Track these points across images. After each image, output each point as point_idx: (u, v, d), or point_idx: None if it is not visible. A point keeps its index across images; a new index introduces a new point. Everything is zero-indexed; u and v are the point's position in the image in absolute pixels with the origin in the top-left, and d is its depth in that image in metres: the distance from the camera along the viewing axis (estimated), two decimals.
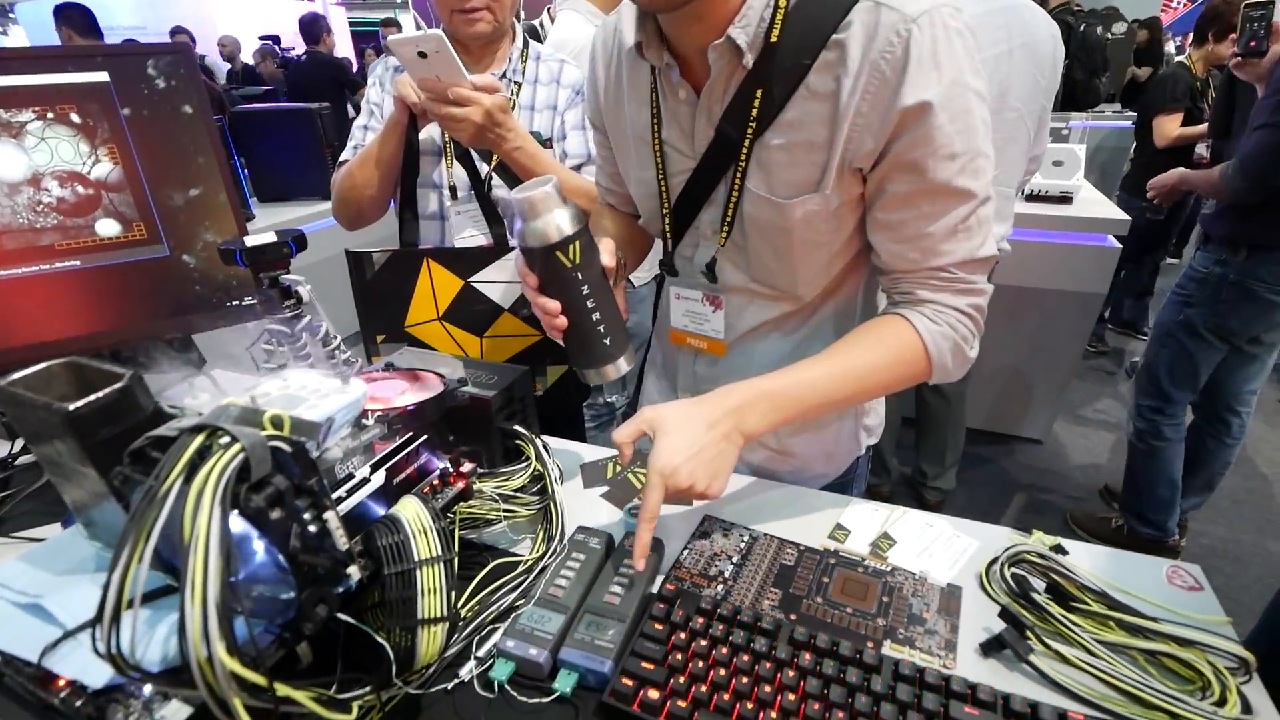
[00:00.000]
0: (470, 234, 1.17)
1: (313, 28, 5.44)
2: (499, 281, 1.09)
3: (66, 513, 0.79)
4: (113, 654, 0.37)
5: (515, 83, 1.14)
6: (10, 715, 0.49)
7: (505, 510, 0.73)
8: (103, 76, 0.74)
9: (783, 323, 0.79)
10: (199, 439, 0.39)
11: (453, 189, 1.14)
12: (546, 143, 1.13)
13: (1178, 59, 2.94)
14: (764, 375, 0.67)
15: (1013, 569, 0.65)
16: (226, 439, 0.39)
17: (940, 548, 0.71)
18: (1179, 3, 9.98)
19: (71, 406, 0.43)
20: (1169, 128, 2.83)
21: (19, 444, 0.90)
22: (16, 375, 0.47)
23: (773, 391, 0.65)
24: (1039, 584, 0.63)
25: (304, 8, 14.20)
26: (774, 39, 0.61)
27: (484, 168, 1.13)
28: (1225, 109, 2.22)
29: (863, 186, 0.66)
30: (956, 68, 0.58)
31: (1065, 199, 2.31)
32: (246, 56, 7.07)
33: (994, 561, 0.66)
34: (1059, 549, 0.69)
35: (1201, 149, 2.84)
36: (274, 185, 2.82)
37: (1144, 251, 3.22)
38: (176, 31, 6.45)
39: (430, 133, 1.13)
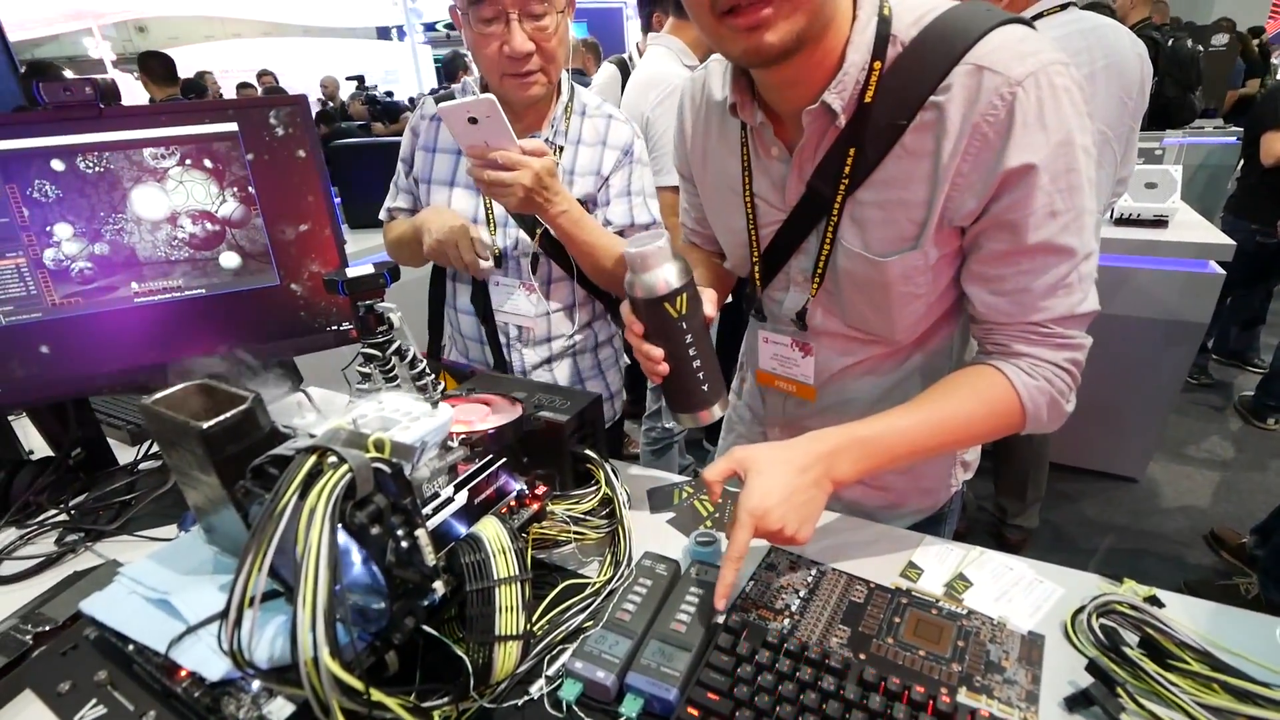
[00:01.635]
0: (506, 305, 1.14)
1: (451, 66, 5.87)
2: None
3: (183, 515, 0.87)
4: (234, 650, 0.41)
5: (557, 146, 1.07)
6: (137, 700, 0.55)
7: (575, 532, 0.75)
8: (232, 126, 0.84)
9: (876, 365, 0.79)
10: (312, 459, 0.44)
11: (497, 258, 1.09)
12: (586, 206, 1.06)
13: None
14: (857, 421, 0.66)
15: (1102, 619, 0.62)
16: (336, 460, 0.44)
17: (1020, 592, 0.68)
18: None
19: (205, 425, 0.48)
20: (1279, 145, 2.62)
21: (142, 451, 1.01)
22: (159, 395, 0.53)
23: (865, 439, 0.65)
24: (1132, 638, 0.60)
25: (391, 48, 15.22)
26: (868, 99, 0.62)
27: (518, 234, 1.09)
28: None
29: (961, 239, 0.66)
30: (1064, 128, 0.57)
31: (1161, 222, 2.16)
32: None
33: (1080, 610, 0.63)
34: (1154, 600, 0.65)
35: None
36: (364, 213, 3.03)
37: (1254, 277, 2.95)
38: (263, 74, 7.10)
39: (463, 204, 1.10)
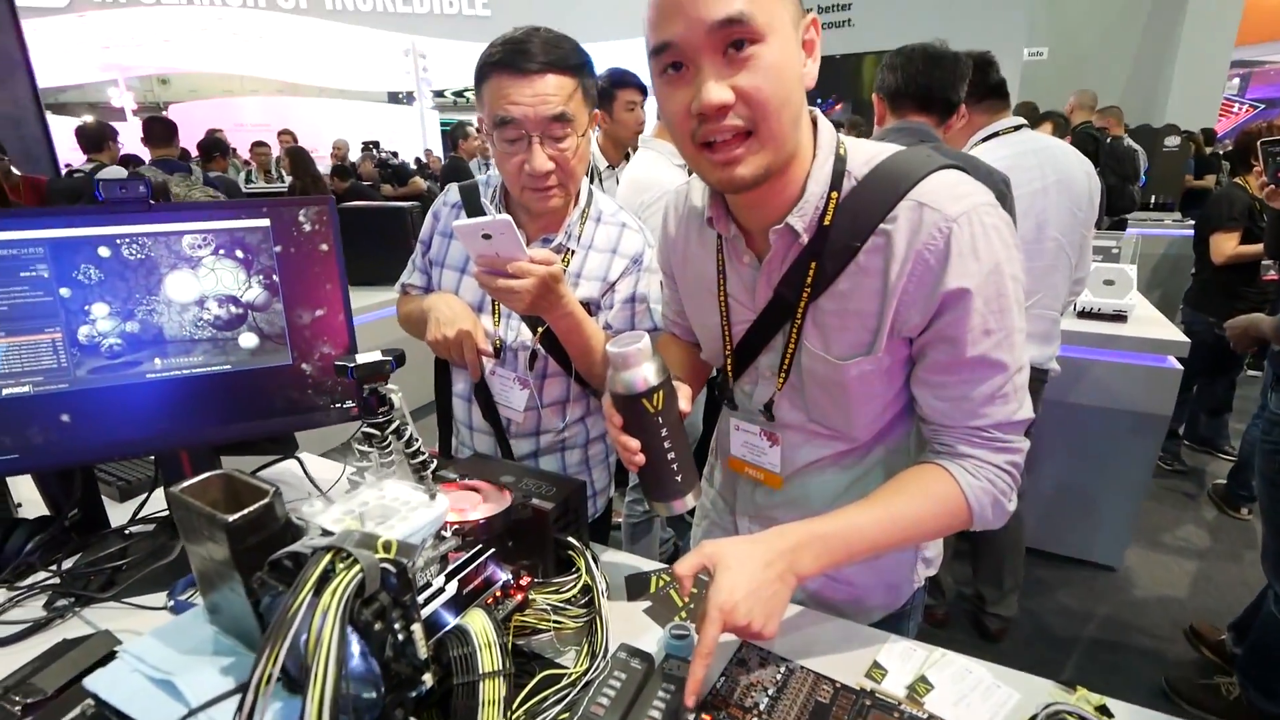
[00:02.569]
0: (509, 393, 1.16)
1: (455, 134, 6.24)
2: None
3: (172, 584, 0.90)
4: None
5: (569, 250, 1.11)
6: None
7: (555, 621, 0.79)
8: (265, 222, 0.92)
9: (838, 459, 0.85)
10: (327, 558, 0.48)
11: (497, 349, 1.13)
12: (589, 308, 1.08)
13: (1234, 179, 2.95)
14: (817, 518, 0.72)
15: None
16: (348, 559, 0.48)
17: (979, 697, 0.72)
18: (1240, 107, 9.99)
19: (230, 519, 0.53)
20: (1227, 245, 2.80)
21: (135, 514, 1.04)
22: (185, 484, 0.58)
23: (826, 535, 0.70)
24: None
25: (401, 111, 15.88)
26: (827, 222, 0.71)
27: (523, 331, 1.12)
28: (1277, 231, 2.22)
29: (909, 348, 0.74)
30: (994, 259, 0.67)
31: (1120, 317, 2.29)
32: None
33: (1032, 718, 0.67)
34: (1104, 710, 0.69)
35: (1272, 270, 2.77)
36: (367, 271, 3.15)
37: (1215, 368, 3.08)
38: (282, 133, 7.42)
39: (471, 293, 1.14)
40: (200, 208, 0.89)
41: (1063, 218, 1.70)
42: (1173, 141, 5.27)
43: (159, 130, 4.22)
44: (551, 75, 0.96)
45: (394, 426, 0.96)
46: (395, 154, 10.27)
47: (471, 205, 1.16)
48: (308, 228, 0.94)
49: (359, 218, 3.30)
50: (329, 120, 13.67)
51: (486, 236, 0.88)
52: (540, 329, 1.10)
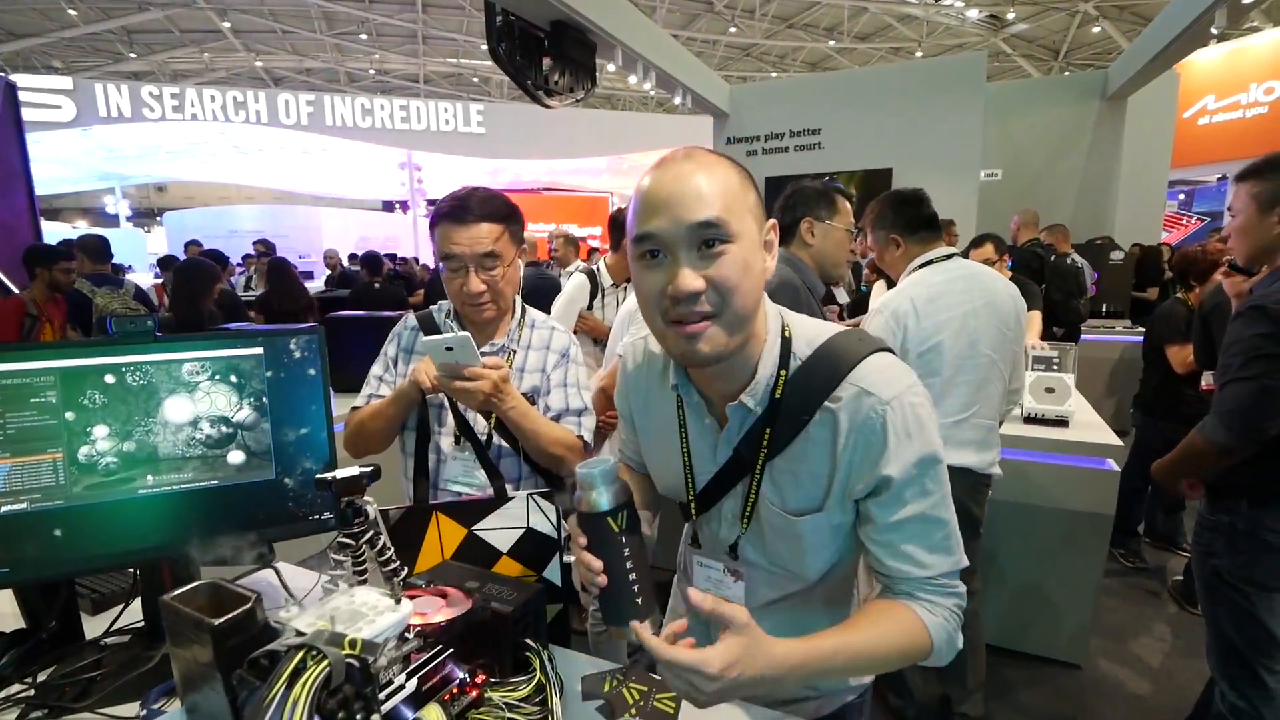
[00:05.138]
0: (460, 476, 1.36)
1: None
2: (499, 528, 1.25)
3: (145, 693, 0.93)
4: None
5: (512, 350, 1.38)
6: None
7: (508, 718, 0.84)
8: (258, 350, 1.04)
9: (793, 597, 0.92)
10: (300, 655, 0.57)
11: (456, 437, 1.36)
12: (531, 398, 1.35)
13: (1176, 295, 3.22)
14: (814, 643, 0.75)
15: None
16: (318, 655, 0.57)
17: None
18: (1189, 220, 11.03)
19: (216, 622, 0.61)
20: (1184, 355, 2.97)
21: (104, 624, 1.08)
22: (175, 593, 0.66)
23: (820, 658, 0.74)
24: None
25: (394, 219, 16.66)
26: (778, 395, 0.81)
27: (479, 421, 1.35)
28: (1204, 342, 2.46)
29: (857, 508, 0.83)
30: (924, 433, 0.77)
31: (1062, 422, 2.47)
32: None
33: None
34: None
35: (1206, 378, 2.99)
36: (350, 378, 3.26)
37: None
38: (258, 243, 7.68)
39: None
40: (201, 338, 1.01)
41: (993, 335, 1.88)
42: (1117, 256, 5.74)
43: (92, 248, 4.39)
44: (484, 224, 1.27)
45: (368, 536, 1.05)
46: (393, 255, 10.63)
47: (428, 328, 1.41)
48: (298, 354, 1.06)
49: (344, 326, 3.45)
50: (323, 227, 14.24)
51: (449, 349, 1.13)
52: (493, 416, 1.32)
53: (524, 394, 1.32)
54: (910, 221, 1.97)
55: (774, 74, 17.99)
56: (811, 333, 0.84)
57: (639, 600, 0.77)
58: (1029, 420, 2.52)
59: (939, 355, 1.84)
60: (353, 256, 9.63)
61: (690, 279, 0.71)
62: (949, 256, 1.97)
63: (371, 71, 17.93)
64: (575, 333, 2.74)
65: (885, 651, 0.78)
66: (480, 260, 1.28)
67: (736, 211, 0.73)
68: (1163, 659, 2.56)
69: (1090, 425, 2.54)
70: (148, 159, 14.31)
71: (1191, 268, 3.18)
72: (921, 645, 0.79)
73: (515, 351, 1.39)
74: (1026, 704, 2.30)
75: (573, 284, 2.74)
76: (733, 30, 15.63)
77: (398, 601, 0.76)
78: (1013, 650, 2.51)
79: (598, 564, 0.76)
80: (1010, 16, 14.09)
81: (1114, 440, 2.37)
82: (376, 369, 1.45)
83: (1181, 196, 11.57)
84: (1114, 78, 6.47)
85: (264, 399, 1.05)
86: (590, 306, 2.71)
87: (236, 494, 1.03)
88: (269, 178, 15.59)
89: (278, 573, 1.27)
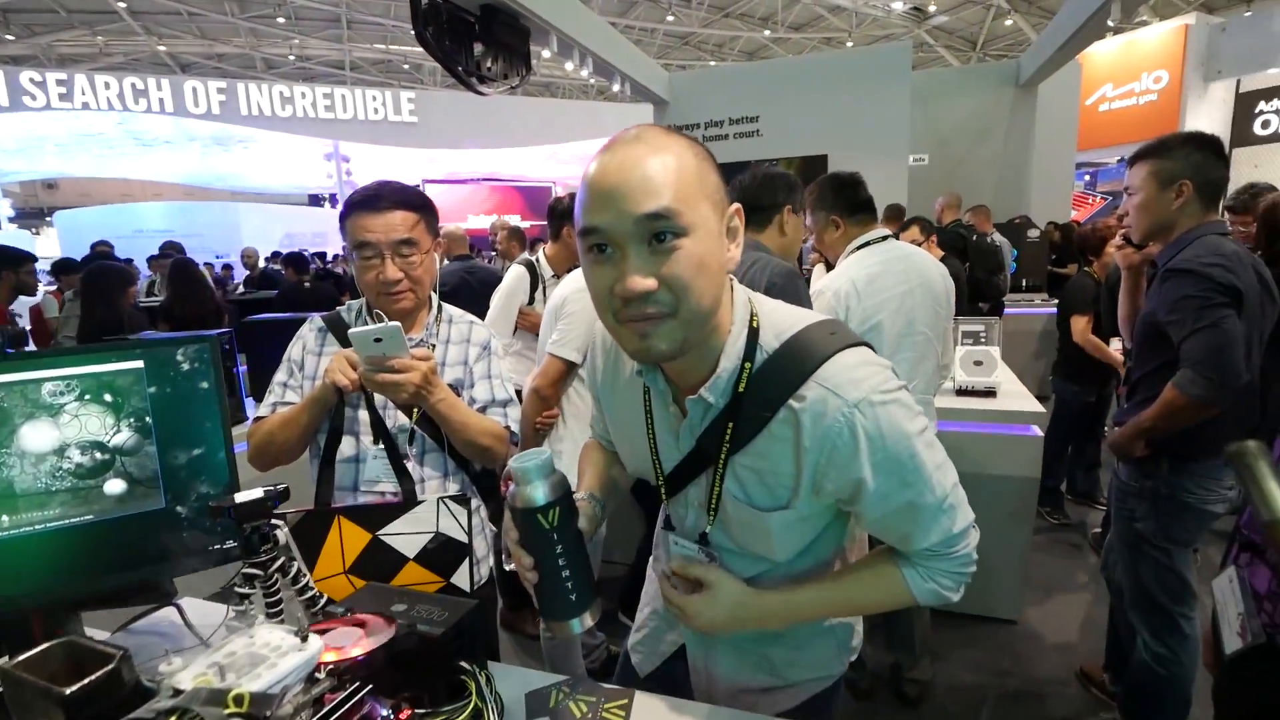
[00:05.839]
0: (382, 477, 1.28)
1: None
2: (406, 533, 1.19)
3: None
4: None
5: (430, 344, 1.34)
6: None
7: None
8: (137, 364, 0.92)
9: (761, 578, 0.88)
10: None
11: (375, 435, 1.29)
12: (456, 390, 1.31)
13: (1084, 269, 3.42)
14: (789, 589, 0.85)
15: None
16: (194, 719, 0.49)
17: None
18: (1093, 198, 11.84)
19: (68, 691, 0.52)
20: (1080, 325, 3.20)
21: None
22: (21, 657, 0.56)
23: (797, 603, 0.84)
24: None
25: (321, 214, 15.85)
26: (741, 389, 0.76)
27: (399, 417, 1.28)
28: (1112, 310, 2.60)
29: (833, 502, 0.80)
30: (896, 431, 0.72)
31: (990, 393, 2.56)
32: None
33: None
34: None
35: (1114, 344, 3.18)
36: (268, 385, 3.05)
37: (1084, 428, 3.47)
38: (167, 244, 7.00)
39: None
40: (66, 353, 0.88)
41: (927, 314, 1.94)
42: (1034, 235, 6.06)
43: None
44: (399, 211, 1.24)
45: (278, 564, 0.95)
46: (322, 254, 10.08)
47: (337, 329, 1.34)
48: (186, 367, 0.95)
49: (264, 330, 3.22)
50: (241, 224, 13.34)
51: (378, 340, 1.11)
52: (417, 412, 1.28)
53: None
54: (849, 203, 2.00)
55: (712, 62, 18.04)
56: (782, 324, 0.78)
57: (573, 596, 0.76)
58: (960, 392, 2.60)
59: (879, 334, 1.88)
60: (275, 255, 9.09)
61: (639, 280, 0.66)
62: (884, 238, 2.00)
63: (291, 57, 16.87)
64: (516, 330, 2.63)
65: (860, 608, 0.87)
66: (396, 248, 1.23)
67: (691, 200, 0.67)
68: (1087, 607, 2.72)
69: (1016, 394, 2.65)
70: (30, 153, 13.00)
71: (1086, 244, 3.44)
72: (903, 600, 0.83)
73: (434, 346, 1.35)
74: (969, 661, 2.41)
75: (510, 277, 2.62)
76: (670, 18, 15.56)
77: (304, 639, 0.68)
78: (953, 613, 2.61)
79: (528, 560, 0.75)
80: (932, 9, 14.63)
81: (1038, 408, 2.48)
82: (280, 375, 1.35)
83: (1087, 178, 12.42)
84: (1025, 67, 6.79)
85: (147, 419, 0.92)
86: (531, 300, 2.60)
87: (118, 528, 0.91)
88: (177, 172, 14.47)
89: (181, 611, 1.15)
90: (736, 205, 0.75)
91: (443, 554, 1.20)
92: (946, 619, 2.56)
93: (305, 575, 0.96)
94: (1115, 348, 3.11)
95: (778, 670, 0.94)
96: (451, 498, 1.21)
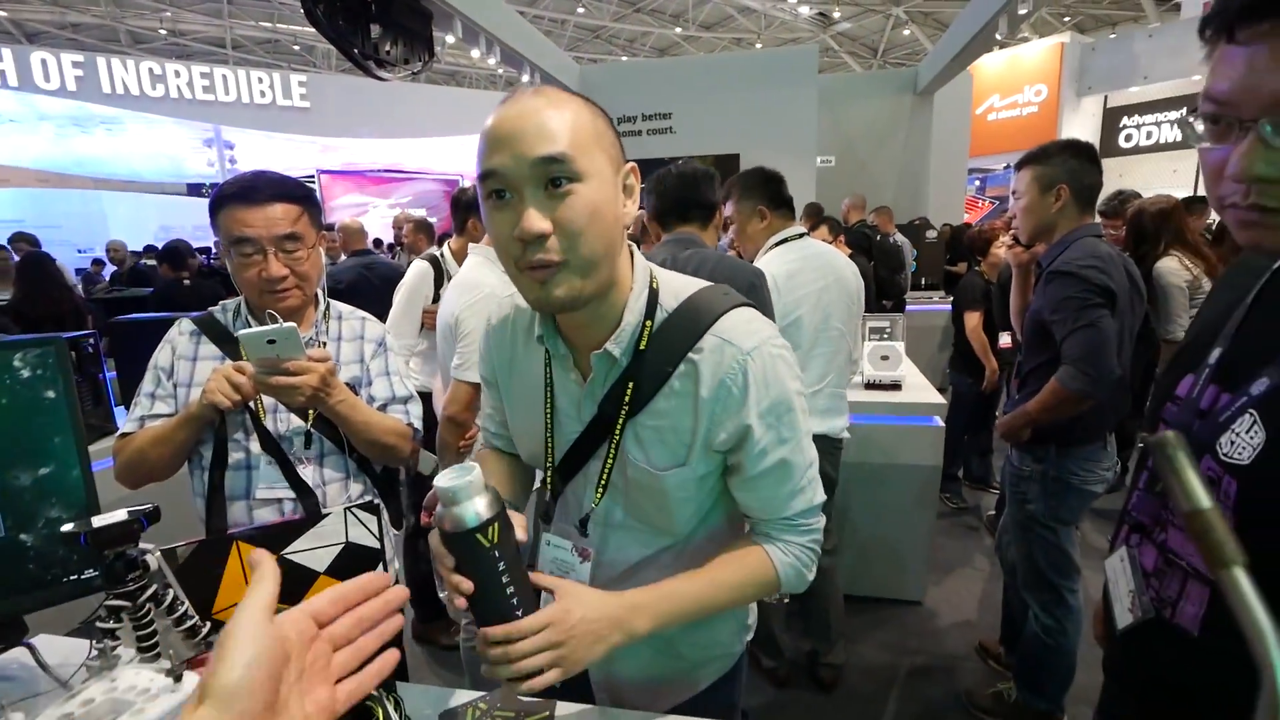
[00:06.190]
0: (277, 483, 1.21)
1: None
2: (313, 549, 1.10)
3: None
4: None
5: (322, 343, 1.28)
6: None
7: None
8: None
9: (660, 555, 0.89)
10: None
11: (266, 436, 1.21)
12: (353, 389, 1.25)
13: (974, 268, 3.69)
14: (653, 586, 0.81)
15: None
16: None
17: None
18: (983, 202, 12.90)
19: None
20: (973, 321, 3.46)
21: None
22: None
23: (660, 598, 0.80)
24: None
25: (202, 206, 14.51)
26: (642, 347, 0.80)
27: (294, 421, 1.22)
28: (1004, 308, 2.82)
29: (722, 458, 0.84)
30: (781, 384, 0.79)
31: (896, 386, 2.71)
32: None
33: None
34: None
35: (1005, 338, 3.45)
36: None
37: (977, 417, 3.75)
38: (16, 237, 6.13)
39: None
40: None
41: (842, 310, 2.02)
42: (932, 235, 6.48)
43: None
44: (279, 204, 1.16)
45: (149, 593, 0.84)
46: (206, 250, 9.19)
47: (211, 332, 1.24)
48: (27, 374, 0.81)
49: (135, 331, 2.89)
50: (107, 214, 11.96)
51: (271, 342, 1.05)
52: (312, 413, 1.22)
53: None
54: (774, 197, 2.04)
55: (624, 58, 18.09)
56: (679, 287, 0.84)
57: (519, 612, 0.71)
58: (869, 386, 2.73)
59: (799, 329, 1.92)
60: (149, 249, 8.20)
61: (536, 220, 0.67)
62: (800, 235, 2.05)
63: (163, 32, 15.34)
64: (422, 329, 2.50)
65: (730, 589, 0.84)
66: (279, 243, 1.16)
67: (585, 148, 0.69)
68: (984, 585, 2.93)
69: (919, 387, 2.81)
70: None
71: (975, 244, 3.75)
72: (769, 582, 0.85)
73: (325, 344, 1.29)
74: (880, 642, 2.53)
75: (412, 274, 2.48)
76: (580, 10, 15.44)
77: (178, 677, 0.60)
78: (864, 597, 2.74)
79: (468, 586, 0.68)
80: (836, 15, 15.38)
81: (939, 399, 2.64)
82: (147, 385, 1.21)
83: (977, 182, 13.53)
84: (923, 75, 7.26)
85: None
86: (436, 298, 2.46)
87: None
88: (26, 155, 12.75)
89: (33, 651, 1.00)
90: (631, 164, 0.78)
91: (356, 564, 1.11)
92: (858, 603, 2.69)
93: (184, 604, 0.85)
94: (1005, 340, 3.37)
95: (679, 651, 0.94)
96: (359, 506, 1.13)
